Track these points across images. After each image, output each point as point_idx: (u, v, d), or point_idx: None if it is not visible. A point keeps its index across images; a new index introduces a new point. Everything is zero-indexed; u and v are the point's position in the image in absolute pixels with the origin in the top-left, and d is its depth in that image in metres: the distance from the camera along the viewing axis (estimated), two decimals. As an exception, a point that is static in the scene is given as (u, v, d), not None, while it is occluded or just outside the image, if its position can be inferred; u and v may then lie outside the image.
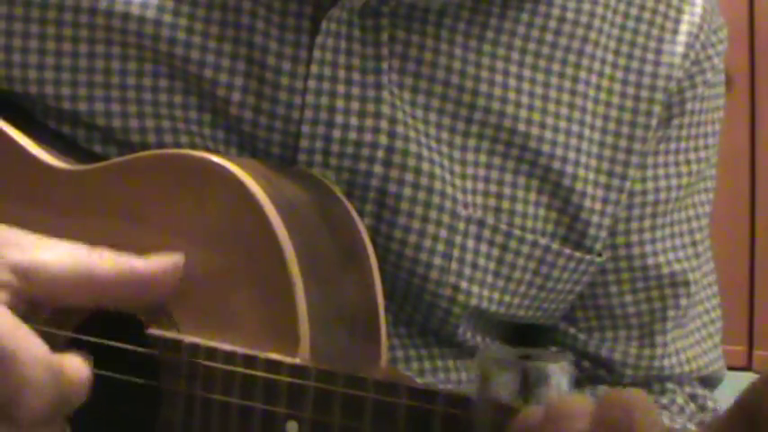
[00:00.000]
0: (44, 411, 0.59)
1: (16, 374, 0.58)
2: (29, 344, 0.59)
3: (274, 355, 0.62)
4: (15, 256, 0.63)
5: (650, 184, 0.82)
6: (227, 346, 0.63)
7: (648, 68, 0.81)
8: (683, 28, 0.82)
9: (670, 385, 0.85)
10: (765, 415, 0.46)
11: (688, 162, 0.84)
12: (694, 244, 0.85)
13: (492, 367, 0.53)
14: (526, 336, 0.86)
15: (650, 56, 0.81)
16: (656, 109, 0.81)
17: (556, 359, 0.53)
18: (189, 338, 0.64)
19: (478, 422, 0.54)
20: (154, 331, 0.66)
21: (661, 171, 0.83)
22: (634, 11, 0.81)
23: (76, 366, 0.60)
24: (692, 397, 0.86)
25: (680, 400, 0.85)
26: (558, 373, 0.53)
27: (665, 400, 0.84)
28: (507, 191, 0.78)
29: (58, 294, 0.63)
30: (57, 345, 0.62)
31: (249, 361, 0.62)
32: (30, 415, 0.58)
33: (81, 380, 0.60)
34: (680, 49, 0.81)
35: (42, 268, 0.62)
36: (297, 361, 0.61)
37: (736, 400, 0.48)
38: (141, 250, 0.66)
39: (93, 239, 0.68)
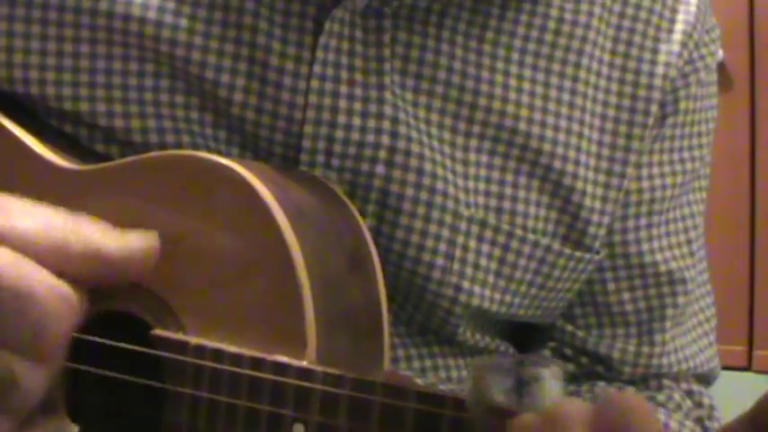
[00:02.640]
0: (66, 337, 0.61)
1: (36, 310, 0.60)
2: (40, 277, 0.61)
3: (282, 358, 0.62)
4: None
5: (645, 183, 0.83)
6: (233, 349, 0.63)
7: (645, 67, 0.81)
8: (678, 27, 0.82)
9: (667, 382, 0.86)
10: None
11: (682, 161, 0.84)
12: (689, 242, 0.86)
13: (485, 373, 0.54)
14: (524, 333, 0.86)
15: (647, 55, 0.81)
16: (653, 108, 0.81)
17: (547, 364, 0.54)
18: (195, 340, 0.64)
19: (473, 425, 0.54)
20: (159, 332, 0.66)
21: (656, 170, 0.83)
22: (630, 10, 0.81)
23: (77, 291, 0.62)
24: (689, 393, 0.86)
25: (677, 396, 0.85)
26: (550, 378, 0.53)
27: (661, 397, 0.85)
28: (508, 191, 0.78)
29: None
30: None
31: (256, 363, 0.62)
32: (56, 345, 0.61)
33: (82, 304, 0.63)
34: (675, 47, 0.82)
35: (14, 233, 0.62)
36: (304, 364, 0.61)
37: (748, 412, 0.48)
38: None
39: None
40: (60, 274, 0.62)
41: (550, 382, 0.53)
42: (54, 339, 0.60)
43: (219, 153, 0.75)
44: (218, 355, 0.63)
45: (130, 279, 0.64)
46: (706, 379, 0.89)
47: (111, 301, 0.68)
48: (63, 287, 0.61)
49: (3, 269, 0.59)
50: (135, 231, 0.64)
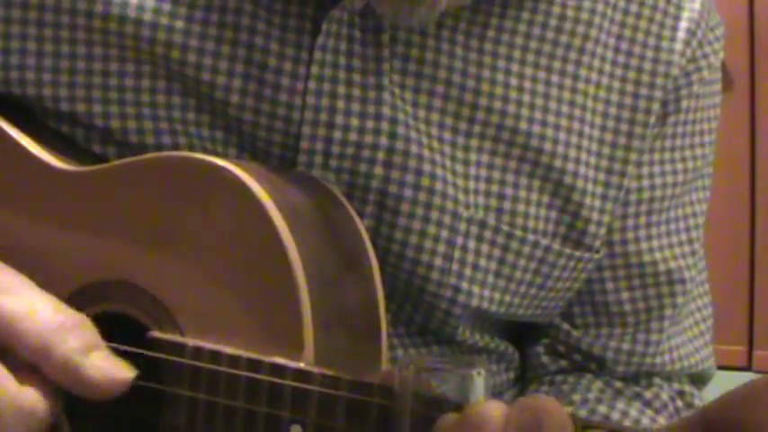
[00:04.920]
0: None
1: None
2: (4, 388, 0.60)
3: (279, 360, 0.62)
4: None
5: (645, 182, 0.82)
6: (231, 350, 0.63)
7: (647, 66, 0.81)
8: (683, 25, 0.82)
9: (657, 380, 0.86)
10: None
11: (684, 160, 0.84)
12: (690, 241, 0.85)
13: (418, 370, 0.56)
14: (524, 332, 0.86)
15: (649, 53, 0.81)
16: (655, 106, 0.81)
17: (475, 364, 0.56)
18: (193, 342, 0.64)
19: (401, 415, 0.56)
20: (157, 334, 0.66)
21: (656, 168, 0.83)
22: (634, 7, 0.81)
23: (42, 400, 0.61)
24: (680, 394, 0.86)
25: (664, 396, 0.85)
26: (477, 378, 0.56)
27: (648, 395, 0.85)
28: (509, 191, 0.78)
29: (9, 345, 0.62)
30: None
31: (253, 365, 0.62)
32: None
33: (45, 414, 0.61)
34: (678, 46, 0.81)
35: (6, 319, 0.62)
36: (301, 365, 0.61)
37: (702, 410, 0.48)
38: (145, 254, 0.67)
39: (95, 243, 0.68)
40: (33, 365, 0.62)
41: (477, 381, 0.56)
42: None
43: (216, 154, 0.75)
44: (215, 356, 0.63)
45: (95, 400, 0.63)
46: (701, 379, 0.89)
47: (108, 302, 0.68)
48: (24, 399, 0.60)
49: None
50: (116, 360, 0.63)
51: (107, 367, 0.62)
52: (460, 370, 0.56)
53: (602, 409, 0.82)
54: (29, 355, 0.61)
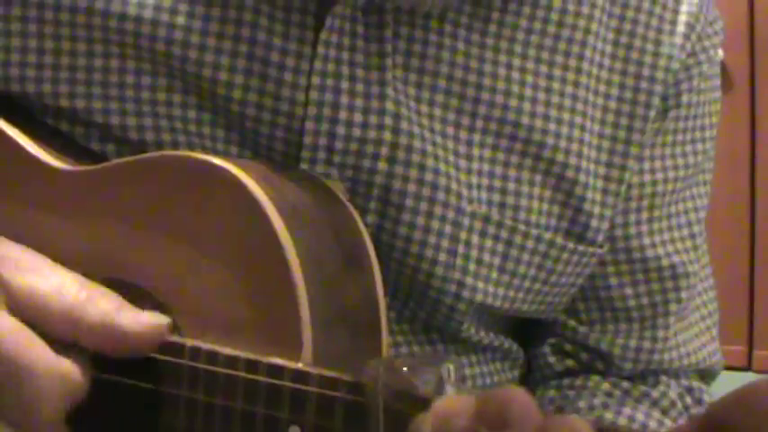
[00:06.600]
0: (57, 418, 0.61)
1: (32, 387, 0.60)
2: (39, 353, 0.61)
3: (277, 360, 0.61)
4: (8, 274, 0.63)
5: (647, 177, 0.82)
6: (228, 351, 0.63)
7: (647, 59, 0.81)
8: (682, 18, 0.82)
9: (664, 378, 0.85)
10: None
11: (684, 155, 0.84)
12: (693, 236, 0.85)
13: (387, 369, 0.57)
14: (529, 329, 0.86)
15: (649, 47, 0.81)
16: (655, 101, 0.81)
17: (444, 360, 0.57)
18: (190, 342, 0.64)
19: (374, 411, 0.57)
20: None
21: (657, 163, 0.83)
22: (633, 1, 0.81)
23: (79, 370, 0.63)
24: (688, 390, 0.86)
25: (672, 394, 0.85)
26: (447, 374, 0.56)
27: (656, 394, 0.84)
28: (511, 186, 0.78)
29: (40, 324, 0.63)
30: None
31: (251, 366, 0.62)
32: (44, 425, 0.61)
33: (83, 382, 0.63)
34: (678, 40, 0.82)
35: (30, 295, 0.63)
36: (299, 366, 0.61)
37: (704, 413, 0.48)
38: (142, 254, 0.66)
39: (92, 242, 0.68)
40: (74, 341, 0.63)
41: (447, 377, 0.56)
42: (45, 418, 0.61)
43: (216, 152, 0.74)
44: (213, 357, 0.63)
45: (138, 355, 0.64)
46: (709, 374, 0.89)
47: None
48: (62, 366, 0.62)
49: (4, 341, 0.60)
50: (147, 311, 0.64)
51: (142, 318, 0.63)
52: (432, 366, 0.56)
53: (609, 415, 0.82)
54: (62, 331, 0.63)
